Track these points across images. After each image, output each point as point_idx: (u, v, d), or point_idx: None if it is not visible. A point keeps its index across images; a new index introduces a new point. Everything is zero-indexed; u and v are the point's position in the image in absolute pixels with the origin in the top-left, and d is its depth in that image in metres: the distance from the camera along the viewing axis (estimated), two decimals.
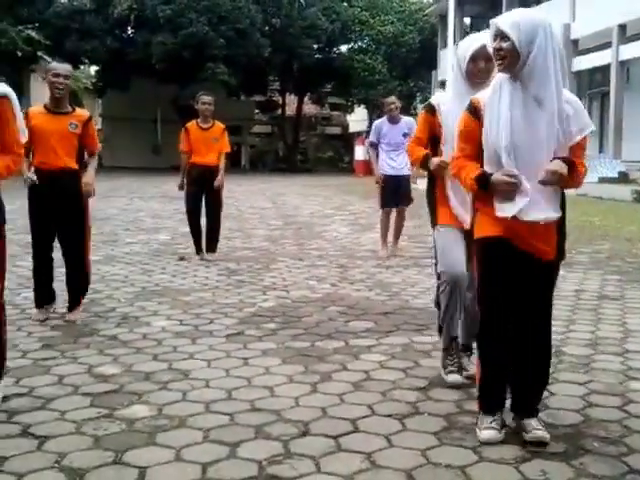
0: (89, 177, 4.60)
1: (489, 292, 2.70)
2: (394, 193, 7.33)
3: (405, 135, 7.04)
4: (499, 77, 2.67)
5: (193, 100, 7.18)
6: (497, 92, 2.65)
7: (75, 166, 4.51)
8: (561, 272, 5.84)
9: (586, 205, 13.39)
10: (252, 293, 5.38)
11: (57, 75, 4.37)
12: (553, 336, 4.00)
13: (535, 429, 2.67)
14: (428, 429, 2.78)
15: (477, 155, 2.72)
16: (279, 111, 38.96)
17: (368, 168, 30.57)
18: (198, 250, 7.05)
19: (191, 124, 7.02)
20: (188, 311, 4.77)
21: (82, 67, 35.94)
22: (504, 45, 2.54)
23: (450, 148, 3.16)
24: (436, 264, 3.49)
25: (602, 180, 16.73)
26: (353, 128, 41.89)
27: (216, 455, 2.52)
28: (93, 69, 36.46)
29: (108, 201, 13.38)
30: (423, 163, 3.44)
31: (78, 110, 4.60)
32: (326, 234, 9.22)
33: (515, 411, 2.79)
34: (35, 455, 2.54)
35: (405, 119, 7.45)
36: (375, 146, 7.46)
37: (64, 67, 4.49)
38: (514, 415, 2.79)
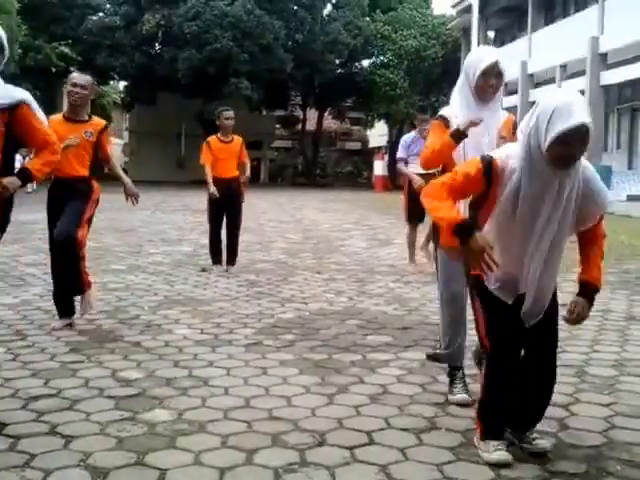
0: (128, 184, 4.79)
1: (496, 325, 2.66)
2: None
3: None
4: (523, 156, 2.44)
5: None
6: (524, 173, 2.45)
7: (86, 174, 4.63)
8: None
9: (614, 223, 13.21)
10: (271, 305, 5.45)
11: (75, 85, 4.53)
12: (577, 356, 4.04)
13: (536, 439, 2.69)
14: (445, 444, 2.78)
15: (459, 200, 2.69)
16: (299, 126, 39.21)
17: (386, 184, 30.87)
18: (215, 261, 7.14)
19: (212, 138, 7.15)
20: (208, 320, 4.86)
21: (112, 82, 36.66)
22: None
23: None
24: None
25: (631, 198, 16.24)
26: (373, 143, 42.02)
27: (233, 461, 2.57)
28: (122, 84, 37.09)
29: (133, 213, 13.52)
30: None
31: (95, 119, 4.72)
32: (344, 248, 9.28)
33: (515, 428, 2.75)
34: (62, 453, 2.62)
35: None
36: (405, 162, 7.32)
37: (83, 77, 4.63)
38: (511, 431, 2.77)
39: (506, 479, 2.49)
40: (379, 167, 31.97)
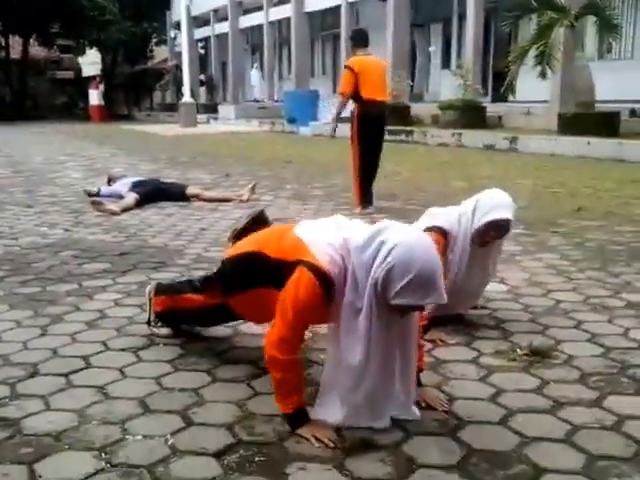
0: None
1: None
2: None
3: None
4: None
5: None
6: None
7: None
8: (299, 206, 6.19)
9: (323, 143, 14.16)
10: None
11: None
12: None
13: None
14: (163, 358, 2.81)
15: None
16: (2, 54, 34.92)
17: (103, 113, 29.58)
18: None
19: None
20: None
21: None
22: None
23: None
24: None
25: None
26: (87, 72, 39.25)
27: None
28: None
29: None
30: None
31: None
32: (59, 180, 8.69)
33: None
34: None
35: None
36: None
37: None
38: None
39: (221, 380, 2.60)
40: (94, 97, 30.61)
